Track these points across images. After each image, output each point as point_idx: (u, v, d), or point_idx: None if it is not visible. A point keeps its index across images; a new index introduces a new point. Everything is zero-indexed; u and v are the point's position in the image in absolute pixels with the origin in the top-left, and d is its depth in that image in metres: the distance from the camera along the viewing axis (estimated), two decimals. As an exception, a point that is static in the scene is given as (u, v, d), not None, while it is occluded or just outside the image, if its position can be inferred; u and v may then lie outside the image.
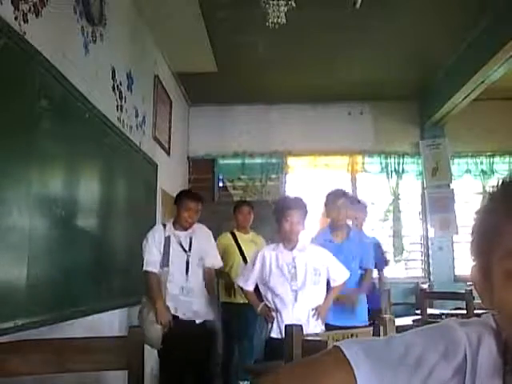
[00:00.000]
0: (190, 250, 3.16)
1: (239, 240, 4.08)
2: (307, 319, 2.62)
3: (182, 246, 3.15)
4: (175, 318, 3.04)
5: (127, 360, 1.23)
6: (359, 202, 4.06)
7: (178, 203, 3.20)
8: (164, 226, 3.23)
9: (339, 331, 1.85)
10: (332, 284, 2.80)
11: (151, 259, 3.07)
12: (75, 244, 2.57)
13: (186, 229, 3.18)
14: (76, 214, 2.58)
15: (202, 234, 3.28)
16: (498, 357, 0.62)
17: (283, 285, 2.67)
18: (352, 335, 1.71)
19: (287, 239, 2.70)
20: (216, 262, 3.35)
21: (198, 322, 3.12)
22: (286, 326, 1.45)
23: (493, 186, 0.63)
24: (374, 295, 3.68)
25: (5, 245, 1.87)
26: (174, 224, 3.22)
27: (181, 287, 3.09)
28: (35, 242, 2.11)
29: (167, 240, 3.13)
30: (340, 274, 2.79)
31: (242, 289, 2.92)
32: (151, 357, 3.61)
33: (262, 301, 2.78)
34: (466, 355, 0.62)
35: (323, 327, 2.73)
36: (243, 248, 4.02)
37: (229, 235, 4.12)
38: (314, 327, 2.61)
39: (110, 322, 3.03)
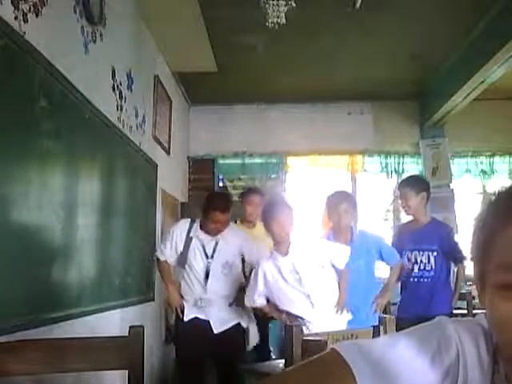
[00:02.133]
0: (212, 256, 2.93)
1: None
2: (331, 317, 2.60)
3: (205, 251, 2.93)
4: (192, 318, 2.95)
5: (127, 360, 1.23)
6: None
7: (205, 211, 2.90)
8: (193, 221, 3.03)
9: (339, 331, 1.85)
10: (338, 269, 2.74)
11: (165, 252, 3.02)
12: (75, 243, 2.57)
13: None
14: (75, 214, 2.58)
15: (231, 238, 2.99)
16: (487, 356, 0.63)
17: (295, 294, 2.65)
18: (352, 335, 1.71)
19: (279, 240, 2.67)
20: (257, 258, 2.97)
21: (216, 331, 2.97)
22: (285, 326, 1.46)
23: (492, 195, 0.63)
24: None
25: (4, 245, 1.87)
26: (201, 225, 2.98)
27: (198, 298, 2.93)
28: (34, 241, 2.11)
29: (188, 241, 2.94)
30: (341, 258, 2.73)
31: (254, 307, 2.85)
32: (151, 357, 3.62)
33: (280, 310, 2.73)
34: (458, 350, 0.63)
35: (349, 315, 2.72)
36: None
37: None
38: (340, 322, 2.59)
39: (109, 322, 3.03)
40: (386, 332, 1.72)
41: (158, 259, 3.03)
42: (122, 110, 3.30)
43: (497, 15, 3.74)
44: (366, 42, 4.22)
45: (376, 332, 1.74)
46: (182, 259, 2.95)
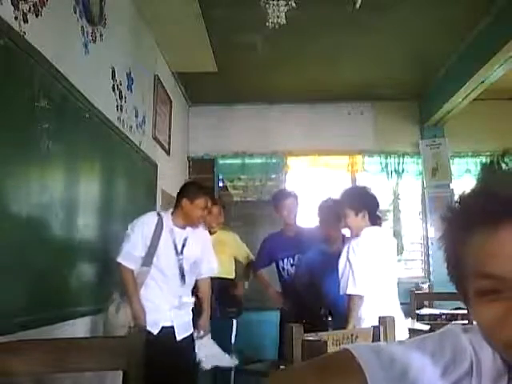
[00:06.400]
0: (182, 252, 2.66)
1: None
2: None
3: (175, 247, 2.66)
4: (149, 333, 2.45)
5: (127, 360, 1.23)
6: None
7: (188, 196, 2.66)
8: (159, 215, 2.69)
9: (339, 331, 1.85)
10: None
11: (132, 253, 2.58)
12: (75, 244, 2.57)
13: (185, 226, 2.69)
14: (75, 215, 2.58)
15: (199, 236, 2.79)
16: (502, 363, 0.62)
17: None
18: (352, 335, 1.71)
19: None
20: (212, 268, 2.91)
21: (178, 338, 2.66)
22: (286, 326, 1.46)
23: (448, 208, 0.63)
24: None
25: (4, 245, 1.87)
26: (173, 217, 2.69)
27: (175, 301, 2.63)
28: (35, 241, 2.11)
29: (157, 235, 2.61)
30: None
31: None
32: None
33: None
34: (472, 362, 0.62)
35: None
36: None
37: None
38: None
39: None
40: (385, 332, 1.71)
41: (120, 264, 2.58)
42: (122, 110, 3.30)
43: (497, 15, 3.74)
44: (366, 42, 4.22)
45: (376, 332, 1.73)
46: (149, 256, 2.59)
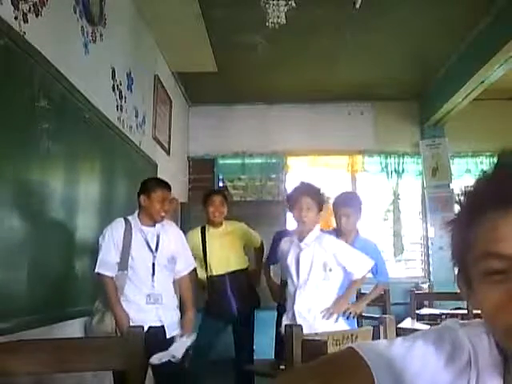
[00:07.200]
0: (156, 250, 2.65)
1: (207, 237, 3.53)
2: (311, 319, 2.54)
3: (149, 245, 2.64)
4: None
5: (126, 360, 1.23)
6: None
7: (144, 192, 2.70)
8: (126, 220, 2.67)
9: (339, 331, 1.85)
10: (352, 277, 2.62)
11: (107, 260, 2.54)
12: (75, 244, 2.57)
13: (155, 224, 2.69)
14: (76, 215, 2.58)
15: (171, 232, 2.78)
16: (498, 355, 0.63)
17: (289, 282, 2.67)
18: (352, 335, 1.71)
19: (297, 229, 2.64)
20: (189, 264, 2.90)
21: (168, 336, 2.63)
22: (285, 326, 1.45)
23: (458, 195, 0.65)
24: None
25: (4, 245, 1.87)
26: (139, 217, 2.69)
27: (147, 294, 2.60)
28: (34, 242, 2.11)
29: (128, 237, 2.61)
30: (358, 267, 2.59)
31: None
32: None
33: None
34: (470, 355, 0.64)
35: (342, 324, 2.59)
36: (208, 246, 3.49)
37: (197, 232, 3.55)
38: (322, 327, 2.44)
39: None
40: (385, 332, 1.71)
41: (99, 274, 2.53)
42: (122, 110, 3.31)
43: (497, 15, 3.74)
44: (366, 42, 4.22)
45: (376, 332, 1.73)
46: (124, 259, 2.59)
